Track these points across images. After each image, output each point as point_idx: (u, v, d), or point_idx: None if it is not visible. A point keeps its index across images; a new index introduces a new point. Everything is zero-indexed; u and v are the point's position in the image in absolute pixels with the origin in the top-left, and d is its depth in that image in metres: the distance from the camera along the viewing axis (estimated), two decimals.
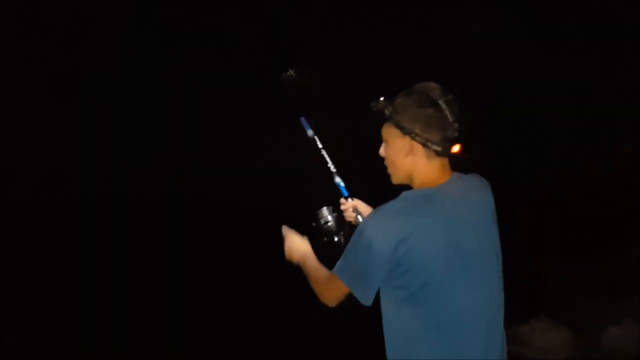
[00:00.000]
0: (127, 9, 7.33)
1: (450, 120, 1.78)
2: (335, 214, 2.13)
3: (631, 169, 6.78)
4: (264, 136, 6.85)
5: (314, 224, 2.14)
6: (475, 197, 1.87)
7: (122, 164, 6.92)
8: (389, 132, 1.86)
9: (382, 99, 1.86)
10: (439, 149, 1.80)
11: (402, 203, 1.82)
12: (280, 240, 2.14)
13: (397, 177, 1.91)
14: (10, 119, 6.78)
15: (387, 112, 1.83)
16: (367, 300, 1.81)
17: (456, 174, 1.89)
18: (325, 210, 2.14)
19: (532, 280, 5.55)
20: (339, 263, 1.85)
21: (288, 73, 2.01)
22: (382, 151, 1.93)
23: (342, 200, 2.18)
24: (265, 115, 6.37)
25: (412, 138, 1.80)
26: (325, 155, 2.20)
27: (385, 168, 1.94)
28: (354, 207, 2.17)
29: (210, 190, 6.80)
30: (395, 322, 1.82)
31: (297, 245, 2.08)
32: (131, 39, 7.39)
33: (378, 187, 1.94)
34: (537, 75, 8.09)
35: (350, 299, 1.88)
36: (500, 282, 1.89)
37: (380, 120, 1.87)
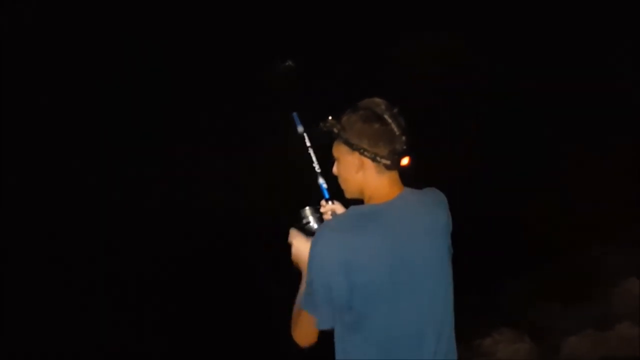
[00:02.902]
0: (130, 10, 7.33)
1: (397, 133, 1.80)
2: (317, 215, 2.11)
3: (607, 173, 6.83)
4: (267, 144, 6.85)
5: (296, 223, 2.12)
6: (425, 213, 1.86)
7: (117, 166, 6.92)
8: (339, 150, 1.88)
9: (330, 118, 1.88)
10: (388, 162, 1.81)
11: (347, 219, 1.83)
12: (282, 243, 2.10)
13: (349, 192, 1.93)
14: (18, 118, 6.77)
15: (335, 130, 1.85)
16: (329, 322, 1.81)
17: (408, 189, 1.89)
18: (307, 210, 2.12)
19: (493, 292, 5.59)
20: (303, 296, 1.85)
21: (287, 64, 1.95)
22: (334, 169, 1.94)
23: (323, 202, 2.16)
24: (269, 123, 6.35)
25: (361, 153, 1.82)
26: (312, 155, 2.17)
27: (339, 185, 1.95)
28: (333, 211, 2.15)
29: (206, 196, 6.81)
30: (343, 337, 1.82)
31: (303, 252, 2.00)
32: (131, 37, 7.39)
33: None
34: (535, 76, 8.09)
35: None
36: (449, 299, 1.88)
37: (331, 138, 1.89)
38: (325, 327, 1.81)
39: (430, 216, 1.87)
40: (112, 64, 7.22)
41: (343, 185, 1.94)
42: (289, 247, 2.07)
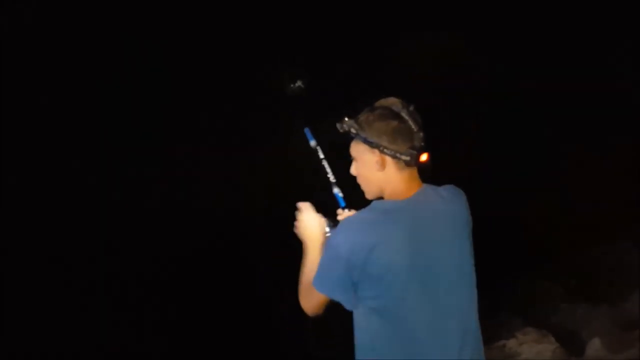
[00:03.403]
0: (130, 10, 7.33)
1: (415, 130, 1.84)
2: (333, 225, 2.13)
3: (622, 172, 6.81)
4: (267, 144, 6.87)
5: None
6: (445, 208, 1.89)
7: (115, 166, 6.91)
8: (358, 149, 1.92)
9: (346, 118, 1.91)
10: (408, 158, 1.85)
11: (371, 213, 1.87)
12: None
13: (370, 192, 1.95)
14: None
15: (353, 130, 1.89)
16: (348, 305, 1.86)
17: (427, 186, 1.93)
18: (324, 223, 2.14)
19: (518, 292, 5.58)
20: (315, 274, 1.89)
21: (296, 84, 2.02)
22: (352, 170, 1.97)
23: (339, 210, 2.20)
24: (269, 123, 6.37)
25: (381, 151, 1.85)
26: (327, 166, 2.22)
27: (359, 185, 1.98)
28: None
29: (206, 196, 6.81)
30: (364, 329, 1.86)
31: (310, 225, 2.06)
32: (135, 37, 7.39)
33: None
34: (536, 75, 8.09)
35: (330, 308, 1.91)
36: (473, 294, 1.91)
37: (348, 139, 1.93)
38: (343, 302, 1.85)
39: (450, 211, 1.91)
40: (112, 64, 7.22)
41: (363, 185, 1.97)
42: (295, 217, 2.09)
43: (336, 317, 1.92)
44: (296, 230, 2.09)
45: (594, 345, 4.48)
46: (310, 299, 1.92)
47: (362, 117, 1.88)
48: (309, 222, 2.06)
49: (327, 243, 1.89)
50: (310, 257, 2.01)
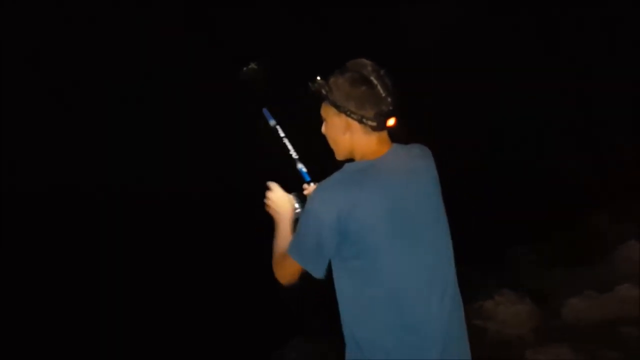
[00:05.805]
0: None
1: (383, 95, 1.84)
2: (302, 201, 2.15)
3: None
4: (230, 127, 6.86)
5: None
6: (416, 164, 1.93)
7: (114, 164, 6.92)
8: (327, 111, 1.94)
9: (318, 78, 1.92)
10: (374, 124, 1.86)
11: (344, 174, 1.89)
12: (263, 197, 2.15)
13: (339, 154, 1.98)
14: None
15: (323, 91, 1.90)
16: (319, 273, 1.88)
17: (396, 145, 1.95)
18: (293, 197, 2.17)
19: (495, 254, 5.62)
20: (290, 243, 1.93)
21: (249, 66, 2.07)
22: (323, 129, 1.99)
23: (305, 185, 2.23)
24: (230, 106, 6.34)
25: (348, 115, 1.87)
26: (288, 144, 2.25)
27: (329, 146, 2.00)
28: None
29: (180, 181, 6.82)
30: (348, 292, 1.89)
31: (280, 202, 2.10)
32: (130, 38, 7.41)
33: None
34: (539, 74, 8.13)
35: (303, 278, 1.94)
36: (449, 244, 1.95)
37: (319, 99, 1.94)
38: (312, 271, 1.88)
39: (423, 167, 1.95)
40: (112, 64, 7.25)
41: (333, 146, 1.99)
42: (266, 197, 2.13)
43: (321, 289, 1.93)
44: (267, 208, 2.12)
45: (570, 307, 4.51)
46: (285, 268, 1.94)
47: (332, 79, 1.89)
48: (279, 199, 2.11)
49: (304, 210, 1.91)
50: (281, 230, 2.05)
